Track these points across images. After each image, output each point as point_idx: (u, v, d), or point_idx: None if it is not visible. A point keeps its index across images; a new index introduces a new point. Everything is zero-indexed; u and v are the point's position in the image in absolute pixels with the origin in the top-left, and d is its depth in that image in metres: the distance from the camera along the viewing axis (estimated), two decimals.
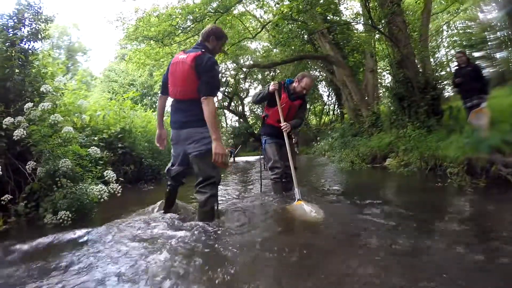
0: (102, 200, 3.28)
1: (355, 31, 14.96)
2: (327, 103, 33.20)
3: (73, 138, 3.74)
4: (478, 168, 3.56)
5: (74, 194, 3.18)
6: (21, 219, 3.28)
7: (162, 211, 3.17)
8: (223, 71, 31.79)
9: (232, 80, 32.97)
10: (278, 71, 26.32)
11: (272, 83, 3.97)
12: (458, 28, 23.95)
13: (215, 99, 2.79)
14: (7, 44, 4.08)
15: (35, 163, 3.36)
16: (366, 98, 12.17)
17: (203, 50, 2.75)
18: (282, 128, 3.82)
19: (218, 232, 2.57)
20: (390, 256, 1.89)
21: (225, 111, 37.57)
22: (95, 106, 6.88)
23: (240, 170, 11.25)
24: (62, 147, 3.52)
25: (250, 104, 36.67)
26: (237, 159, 20.17)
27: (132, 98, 8.92)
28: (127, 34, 13.49)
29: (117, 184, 3.40)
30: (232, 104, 35.63)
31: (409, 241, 2.14)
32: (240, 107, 36.32)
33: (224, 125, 37.41)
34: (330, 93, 30.17)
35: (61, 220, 2.93)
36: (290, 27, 11.98)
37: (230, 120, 40.66)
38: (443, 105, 7.89)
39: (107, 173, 3.44)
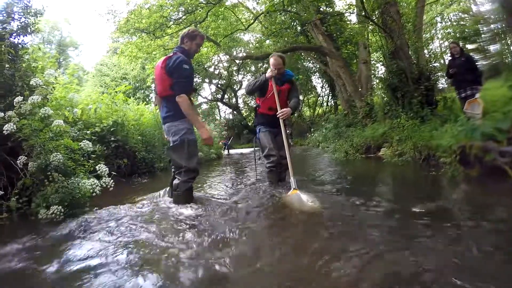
0: (94, 194, 3.24)
1: (348, 22, 14.89)
2: (321, 95, 33.24)
3: (65, 132, 3.69)
4: (471, 157, 3.56)
5: (66, 188, 3.14)
6: (14, 215, 3.25)
7: (167, 195, 3.55)
8: (216, 63, 31.65)
9: (225, 72, 32.80)
10: None
11: (269, 69, 3.93)
12: (452, 20, 24.03)
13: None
14: None
15: (26, 158, 3.32)
16: (360, 89, 12.16)
17: (175, 52, 3.20)
18: (278, 115, 3.78)
19: (210, 215, 2.70)
20: (382, 246, 1.89)
21: (219, 103, 37.44)
22: (87, 100, 6.80)
23: (234, 162, 11.23)
24: (54, 141, 3.47)
25: (244, 96, 36.54)
26: (231, 151, 19.96)
27: (124, 91, 8.79)
28: (119, 27, 13.28)
29: (109, 178, 3.36)
30: (226, 96, 35.49)
31: (400, 231, 2.16)
32: (234, 99, 36.18)
33: (218, 117, 37.26)
34: (324, 85, 30.22)
35: (53, 215, 2.90)
36: (283, 18, 11.90)
37: (224, 112, 40.55)
38: (437, 96, 7.93)
39: (99, 167, 3.40)
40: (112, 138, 6.42)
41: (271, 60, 3.96)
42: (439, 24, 23.58)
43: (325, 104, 32.82)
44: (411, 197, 3.25)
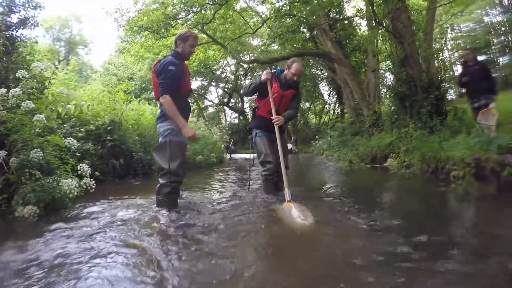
0: (71, 196, 2.99)
1: (357, 28, 14.71)
2: (328, 102, 32.98)
3: (55, 128, 3.50)
4: (488, 171, 3.26)
5: (45, 187, 2.90)
6: None
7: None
8: (223, 66, 31.56)
9: (232, 76, 32.72)
10: (279, 68, 26.08)
11: (264, 72, 3.69)
12: (463, 30, 23.84)
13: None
14: None
15: (6, 152, 3.11)
16: (368, 97, 11.89)
17: (165, 56, 3.25)
18: (273, 121, 3.52)
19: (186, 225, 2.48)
20: (376, 273, 1.63)
21: (225, 107, 37.30)
22: (85, 97, 6.59)
23: (235, 166, 10.99)
24: (40, 137, 3.25)
25: (250, 101, 36.33)
26: (235, 156, 19.52)
27: (125, 90, 8.55)
28: (126, 24, 13.13)
29: (91, 179, 3.13)
30: (232, 100, 35.33)
31: (400, 256, 1.85)
32: (240, 104, 35.94)
33: (224, 121, 37.09)
34: (331, 92, 29.94)
35: (27, 215, 2.66)
36: (291, 22, 11.68)
37: (230, 117, 40.38)
38: (446, 106, 7.63)
39: (81, 166, 3.17)
40: (109, 137, 6.18)
41: (296, 65, 3.65)
42: (449, 35, 23.34)
43: (331, 111, 32.58)
44: (417, 217, 2.88)
